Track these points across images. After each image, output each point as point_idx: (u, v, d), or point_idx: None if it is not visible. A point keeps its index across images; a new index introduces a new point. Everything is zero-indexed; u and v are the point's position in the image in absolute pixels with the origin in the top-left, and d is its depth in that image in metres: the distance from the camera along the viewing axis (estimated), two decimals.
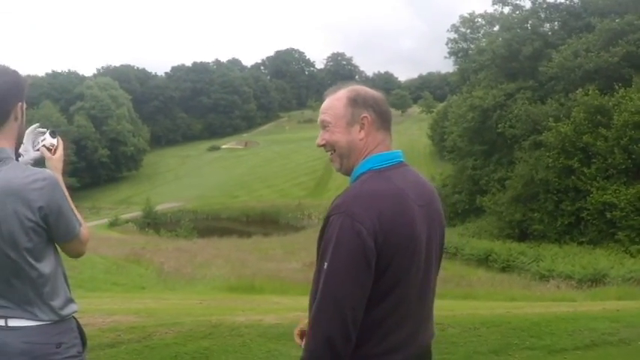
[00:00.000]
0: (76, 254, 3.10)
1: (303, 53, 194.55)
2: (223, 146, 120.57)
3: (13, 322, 2.85)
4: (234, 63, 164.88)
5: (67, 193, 3.00)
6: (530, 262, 33.81)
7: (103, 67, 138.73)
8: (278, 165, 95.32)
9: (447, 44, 69.63)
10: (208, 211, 72.14)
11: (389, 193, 2.48)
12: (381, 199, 2.44)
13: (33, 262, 2.81)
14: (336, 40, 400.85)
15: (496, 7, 56.24)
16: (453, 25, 68.53)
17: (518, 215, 40.33)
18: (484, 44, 55.37)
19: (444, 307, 10.64)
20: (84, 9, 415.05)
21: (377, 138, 2.64)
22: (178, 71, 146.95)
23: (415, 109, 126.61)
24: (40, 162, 3.20)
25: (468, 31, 67.33)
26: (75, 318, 3.07)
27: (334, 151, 2.67)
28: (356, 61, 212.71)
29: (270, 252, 36.42)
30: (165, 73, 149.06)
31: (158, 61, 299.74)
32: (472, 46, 63.53)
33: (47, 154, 3.21)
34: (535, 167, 39.48)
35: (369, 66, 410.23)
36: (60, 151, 3.26)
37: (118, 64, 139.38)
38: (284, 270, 25.06)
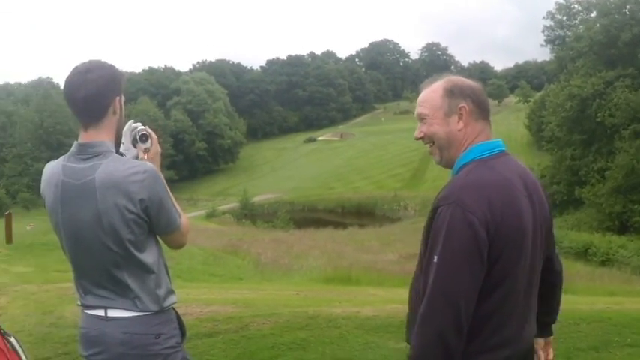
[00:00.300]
0: (177, 245, 3.09)
1: (398, 44, 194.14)
2: (319, 138, 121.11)
3: (112, 313, 2.88)
4: (329, 55, 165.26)
5: (167, 186, 3.01)
6: (630, 256, 32.69)
7: (198, 63, 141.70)
8: (374, 156, 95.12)
9: (543, 32, 68.55)
10: (304, 203, 72.52)
11: (496, 183, 2.42)
12: (490, 188, 2.38)
13: (135, 252, 2.82)
14: (431, 30, 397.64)
15: None
16: (549, 12, 67.38)
17: (618, 207, 39.35)
18: (581, 31, 54.12)
19: None
20: (179, 6, 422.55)
21: (476, 128, 2.58)
22: (273, 65, 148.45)
23: (512, 99, 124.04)
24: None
25: (565, 18, 66.00)
26: (174, 309, 3.07)
27: (433, 143, 2.63)
28: (451, 51, 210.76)
29: (366, 243, 36.30)
30: (261, 66, 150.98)
31: (253, 56, 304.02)
32: (569, 33, 62.21)
33: (141, 154, 3.20)
34: (636, 157, 38.49)
35: (464, 55, 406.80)
36: (154, 148, 3.24)
37: (213, 59, 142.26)
38: (380, 261, 24.94)
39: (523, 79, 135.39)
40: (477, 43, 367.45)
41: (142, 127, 3.23)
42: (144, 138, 3.20)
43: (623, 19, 46.75)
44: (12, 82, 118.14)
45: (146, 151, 3.19)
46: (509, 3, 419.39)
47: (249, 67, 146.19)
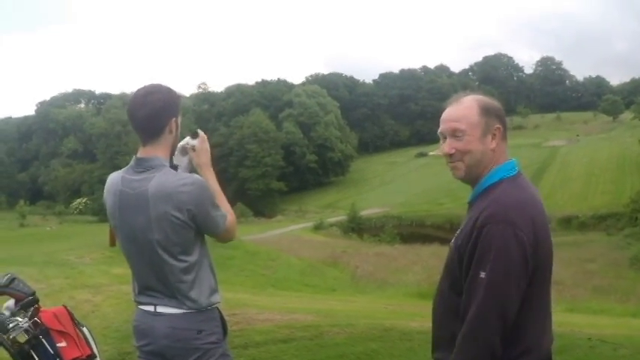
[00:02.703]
0: (225, 242, 3.51)
1: (512, 58, 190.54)
2: (431, 153, 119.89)
3: (160, 309, 3.26)
4: (442, 69, 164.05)
5: (216, 188, 3.39)
6: None
7: (311, 76, 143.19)
8: None
9: None
10: (413, 218, 72.22)
11: (535, 203, 2.56)
12: (532, 208, 2.52)
13: (180, 256, 3.18)
14: (546, 44, 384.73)
15: None
16: None
17: None
18: None
19: (623, 325, 10.27)
20: (294, 19, 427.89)
21: (503, 148, 2.69)
22: (386, 78, 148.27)
23: (627, 115, 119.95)
24: (193, 165, 3.52)
25: None
26: (218, 308, 3.40)
27: (462, 159, 2.68)
28: (566, 65, 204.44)
29: None
30: (374, 80, 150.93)
31: (366, 69, 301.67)
32: None
33: (192, 153, 3.49)
34: None
35: (579, 70, 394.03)
36: (201, 145, 3.50)
37: (326, 73, 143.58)
38: None
39: None
40: (594, 57, 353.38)
41: (187, 138, 3.56)
42: (194, 136, 3.51)
43: None
44: (128, 92, 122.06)
45: (193, 148, 3.49)
46: (629, 16, 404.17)
47: (361, 81, 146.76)
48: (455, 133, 2.67)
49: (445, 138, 2.72)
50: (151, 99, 3.19)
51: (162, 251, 3.15)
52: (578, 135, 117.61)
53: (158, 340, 3.26)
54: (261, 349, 7.03)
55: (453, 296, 2.59)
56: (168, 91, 3.29)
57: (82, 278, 13.95)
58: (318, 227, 62.05)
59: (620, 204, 58.18)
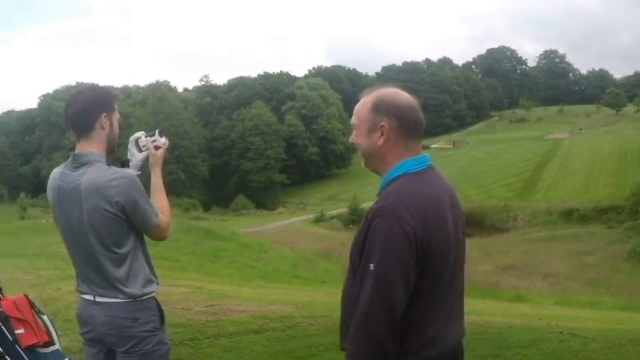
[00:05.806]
0: (157, 239, 3.61)
1: (515, 51, 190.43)
2: (433, 145, 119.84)
3: (99, 299, 3.44)
4: (445, 62, 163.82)
5: (160, 188, 3.65)
6: None
7: (314, 68, 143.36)
8: (487, 165, 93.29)
9: None
10: None
11: (429, 196, 2.58)
12: (424, 201, 2.54)
13: (113, 248, 3.36)
14: (550, 36, 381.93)
15: None
16: None
17: None
18: None
19: (608, 319, 10.29)
20: (296, 12, 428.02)
21: (398, 145, 2.69)
22: (389, 71, 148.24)
23: (630, 108, 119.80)
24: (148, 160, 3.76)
25: None
26: (155, 298, 3.56)
27: (359, 150, 2.81)
28: (570, 58, 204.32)
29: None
30: (376, 73, 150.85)
31: (369, 62, 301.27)
32: None
33: (153, 151, 3.74)
34: None
35: (583, 63, 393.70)
36: (163, 149, 3.79)
37: (329, 65, 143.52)
38: (473, 272, 24.67)
39: None
40: (598, 51, 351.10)
41: (141, 133, 3.80)
42: (161, 134, 3.80)
43: None
44: (131, 85, 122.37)
45: (163, 145, 3.79)
46: (634, 9, 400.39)
47: (364, 74, 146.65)
48: (353, 126, 2.80)
49: None
50: (80, 98, 3.42)
51: (96, 243, 3.33)
52: (580, 128, 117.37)
53: (97, 328, 3.45)
54: (234, 339, 7.16)
55: (355, 286, 2.58)
56: (99, 89, 3.56)
57: (71, 270, 14.04)
58: (318, 219, 62.27)
59: (622, 197, 57.95)
